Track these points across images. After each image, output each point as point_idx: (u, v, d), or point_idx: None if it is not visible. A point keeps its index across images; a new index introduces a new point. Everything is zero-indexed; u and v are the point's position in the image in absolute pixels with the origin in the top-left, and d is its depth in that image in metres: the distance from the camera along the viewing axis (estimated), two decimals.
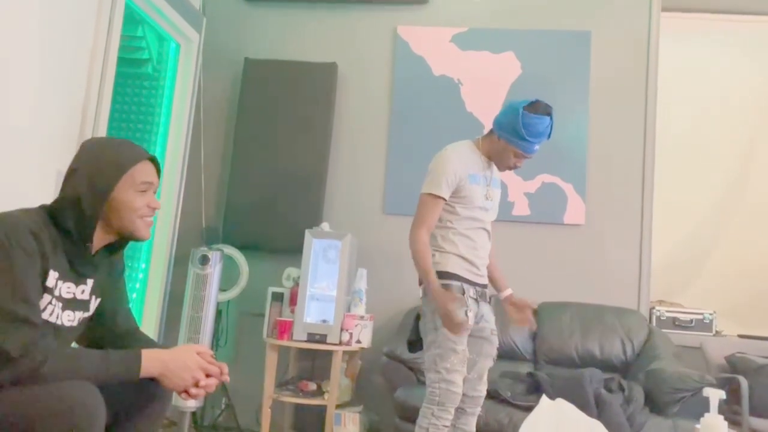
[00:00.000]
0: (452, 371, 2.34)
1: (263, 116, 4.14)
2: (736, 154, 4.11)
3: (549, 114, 2.43)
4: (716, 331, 3.76)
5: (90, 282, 1.65)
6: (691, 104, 4.17)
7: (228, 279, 3.87)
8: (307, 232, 3.64)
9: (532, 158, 2.58)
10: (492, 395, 3.08)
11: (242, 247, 3.96)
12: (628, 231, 3.89)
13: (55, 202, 1.59)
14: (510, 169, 2.57)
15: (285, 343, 3.51)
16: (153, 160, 1.68)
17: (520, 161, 2.52)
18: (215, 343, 3.81)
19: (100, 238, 1.63)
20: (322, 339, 3.46)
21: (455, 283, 2.42)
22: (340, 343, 3.46)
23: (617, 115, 4.00)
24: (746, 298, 3.98)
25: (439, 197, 2.43)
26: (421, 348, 2.49)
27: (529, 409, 3.00)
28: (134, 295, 3.77)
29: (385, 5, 4.26)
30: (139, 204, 1.61)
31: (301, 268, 3.60)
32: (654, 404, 3.06)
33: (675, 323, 3.77)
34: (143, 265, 3.81)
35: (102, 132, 3.02)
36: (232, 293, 3.89)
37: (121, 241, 1.70)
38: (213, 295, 3.64)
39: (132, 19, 3.55)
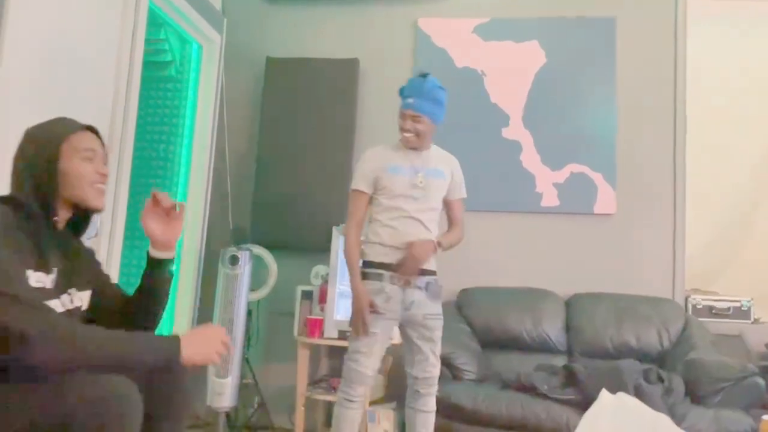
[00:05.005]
0: (355, 352, 2.58)
1: (286, 114, 4.13)
2: None
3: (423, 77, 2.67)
4: (754, 319, 3.68)
5: (55, 270, 1.60)
6: (721, 88, 4.08)
7: (256, 279, 3.87)
8: (334, 229, 3.63)
9: (444, 124, 2.75)
10: (528, 389, 3.05)
11: (270, 246, 3.95)
12: (660, 219, 3.82)
13: (11, 186, 1.58)
14: (405, 132, 2.65)
15: (316, 341, 3.50)
16: (92, 130, 1.68)
17: (406, 122, 2.64)
18: (247, 343, 3.82)
19: (60, 215, 1.62)
20: None
21: (373, 271, 2.59)
22: None
23: (646, 102, 3.92)
24: None
25: (359, 191, 2.67)
26: None
27: (566, 402, 2.97)
28: None
29: None
30: (86, 170, 1.61)
31: (330, 266, 3.59)
32: (694, 395, 3.00)
33: (712, 312, 3.69)
34: (173, 268, 3.81)
35: (131, 136, 3.04)
36: (262, 293, 3.89)
37: (80, 216, 1.70)
38: (243, 295, 3.63)
39: (154, 22, 3.56)
